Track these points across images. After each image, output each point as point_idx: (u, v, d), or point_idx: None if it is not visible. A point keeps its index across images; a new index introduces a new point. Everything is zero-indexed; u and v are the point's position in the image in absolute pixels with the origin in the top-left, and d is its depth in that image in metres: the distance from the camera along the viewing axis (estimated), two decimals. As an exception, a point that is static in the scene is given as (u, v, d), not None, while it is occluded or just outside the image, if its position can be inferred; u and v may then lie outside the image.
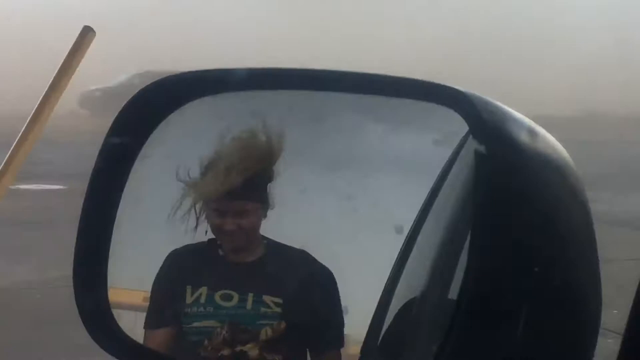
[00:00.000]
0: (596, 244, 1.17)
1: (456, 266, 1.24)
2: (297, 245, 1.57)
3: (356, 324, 1.55)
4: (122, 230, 1.48)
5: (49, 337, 6.60)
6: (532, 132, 1.19)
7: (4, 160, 2.57)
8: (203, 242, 1.63)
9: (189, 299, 1.64)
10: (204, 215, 1.61)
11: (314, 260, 1.55)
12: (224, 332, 1.61)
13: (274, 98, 1.51)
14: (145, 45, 32.10)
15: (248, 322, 1.61)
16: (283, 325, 1.60)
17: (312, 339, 1.64)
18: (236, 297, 1.63)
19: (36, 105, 2.64)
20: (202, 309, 1.63)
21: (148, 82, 1.42)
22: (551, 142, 1.21)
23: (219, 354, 1.61)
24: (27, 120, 2.63)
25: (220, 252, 1.64)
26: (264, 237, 1.64)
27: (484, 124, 1.16)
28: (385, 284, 1.50)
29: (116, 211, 1.47)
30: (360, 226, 1.51)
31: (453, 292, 1.17)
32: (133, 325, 1.61)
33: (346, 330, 1.58)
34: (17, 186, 12.55)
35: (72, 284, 1.41)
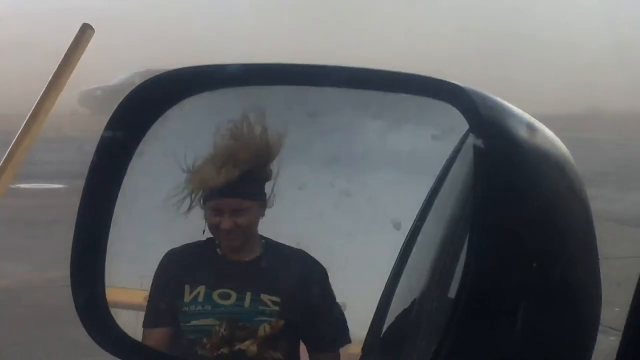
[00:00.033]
0: (596, 239, 1.16)
1: (456, 265, 1.23)
2: (295, 241, 1.56)
3: (355, 321, 1.55)
4: (119, 228, 1.48)
5: (49, 336, 6.60)
6: (531, 128, 1.19)
7: (3, 159, 2.56)
8: (201, 241, 1.63)
9: (187, 298, 1.64)
10: (200, 203, 1.61)
11: (312, 259, 1.55)
12: (222, 329, 1.61)
13: (271, 94, 1.50)
14: (146, 44, 32.14)
15: (246, 319, 1.61)
16: (281, 322, 1.60)
17: (310, 339, 1.64)
18: (234, 295, 1.63)
19: (35, 103, 2.64)
20: (200, 307, 1.63)
21: (148, 81, 1.42)
22: (550, 137, 1.20)
23: (218, 352, 1.60)
24: (26, 118, 2.62)
25: (219, 251, 1.64)
26: (262, 237, 1.64)
27: (483, 119, 1.16)
28: (386, 282, 1.50)
29: (113, 207, 1.46)
30: (359, 222, 1.51)
31: (453, 291, 1.17)
32: (135, 324, 1.61)
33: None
34: (17, 185, 12.56)
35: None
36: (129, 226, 1.54)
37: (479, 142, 1.13)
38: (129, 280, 1.61)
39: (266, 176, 1.58)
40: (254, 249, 1.64)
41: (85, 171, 1.44)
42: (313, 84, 1.41)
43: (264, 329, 1.60)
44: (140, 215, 1.60)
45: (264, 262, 1.63)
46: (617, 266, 5.67)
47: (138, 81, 1.45)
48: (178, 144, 1.58)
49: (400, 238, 1.49)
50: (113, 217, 1.47)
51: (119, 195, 1.47)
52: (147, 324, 1.64)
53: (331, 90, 1.39)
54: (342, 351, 1.60)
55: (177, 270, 1.63)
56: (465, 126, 1.23)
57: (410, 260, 1.50)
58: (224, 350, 1.60)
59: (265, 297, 1.61)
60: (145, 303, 1.63)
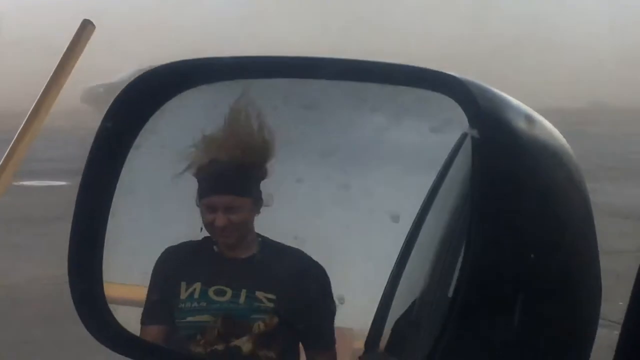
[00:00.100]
0: (595, 232, 1.15)
1: (457, 262, 1.23)
2: (292, 235, 1.56)
3: (355, 317, 1.54)
4: (117, 222, 1.48)
5: (52, 333, 6.61)
6: (529, 119, 1.18)
7: (4, 156, 2.56)
8: (198, 239, 1.64)
9: (183, 295, 1.64)
10: (195, 201, 1.61)
11: (310, 258, 1.55)
12: (217, 326, 1.61)
13: (269, 86, 1.50)
14: (148, 41, 32.15)
15: (241, 316, 1.61)
16: (276, 320, 1.60)
17: (306, 337, 1.64)
18: (229, 292, 1.63)
19: (36, 101, 2.64)
20: (195, 304, 1.63)
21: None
22: (549, 129, 1.20)
23: (212, 348, 1.61)
24: (27, 116, 2.62)
25: (215, 249, 1.65)
26: (259, 235, 1.64)
27: (481, 111, 1.15)
28: (388, 279, 1.50)
29: (111, 201, 1.46)
30: (357, 215, 1.50)
31: (453, 289, 1.17)
32: (134, 321, 1.61)
33: (348, 324, 1.57)
34: (20, 183, 12.58)
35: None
36: (126, 219, 1.54)
37: (477, 133, 1.13)
38: (126, 276, 1.61)
39: (262, 174, 1.58)
40: (250, 246, 1.64)
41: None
42: (310, 77, 1.41)
43: (259, 327, 1.60)
44: (137, 209, 1.60)
45: (260, 260, 1.63)
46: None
47: (141, 79, 1.45)
48: (176, 137, 1.58)
49: (399, 231, 1.48)
50: (110, 211, 1.47)
51: (116, 188, 1.47)
52: (144, 321, 1.64)
53: (329, 82, 1.39)
54: (346, 346, 1.59)
55: (174, 267, 1.64)
56: (463, 118, 1.22)
57: (411, 257, 1.50)
58: (219, 346, 1.60)
59: (260, 294, 1.61)
60: (144, 299, 1.63)
